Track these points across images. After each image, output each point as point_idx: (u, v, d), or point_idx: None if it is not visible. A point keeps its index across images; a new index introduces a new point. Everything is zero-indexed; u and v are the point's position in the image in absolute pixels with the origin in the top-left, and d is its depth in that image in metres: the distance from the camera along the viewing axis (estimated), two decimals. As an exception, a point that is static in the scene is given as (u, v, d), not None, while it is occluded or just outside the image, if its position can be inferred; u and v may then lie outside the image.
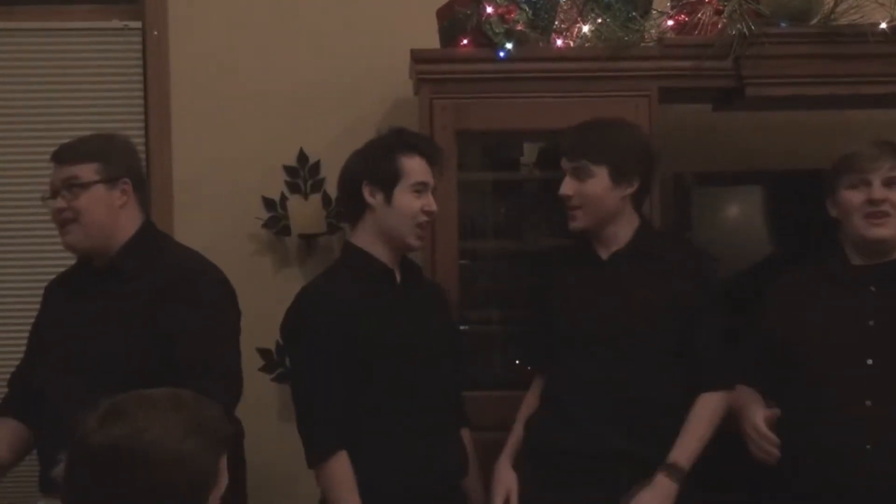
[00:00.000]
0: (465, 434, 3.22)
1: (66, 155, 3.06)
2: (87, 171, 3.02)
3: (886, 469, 2.88)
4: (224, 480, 1.83)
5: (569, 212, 3.11)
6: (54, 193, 3.03)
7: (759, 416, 2.96)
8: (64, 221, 3.02)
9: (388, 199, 3.04)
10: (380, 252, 3.07)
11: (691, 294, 3.06)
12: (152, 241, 3.12)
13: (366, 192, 3.05)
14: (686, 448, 2.99)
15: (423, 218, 3.06)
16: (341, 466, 2.95)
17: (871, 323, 2.99)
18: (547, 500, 3.06)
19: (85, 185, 3.01)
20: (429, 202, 3.06)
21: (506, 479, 3.16)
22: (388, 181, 3.04)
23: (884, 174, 2.99)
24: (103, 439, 1.73)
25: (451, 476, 3.11)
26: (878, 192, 2.98)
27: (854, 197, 3.01)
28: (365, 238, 3.08)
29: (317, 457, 2.98)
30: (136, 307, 2.98)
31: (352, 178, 3.09)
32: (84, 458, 1.74)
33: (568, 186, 3.08)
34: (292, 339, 3.11)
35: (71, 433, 1.77)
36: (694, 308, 3.05)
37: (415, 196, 3.04)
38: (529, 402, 3.25)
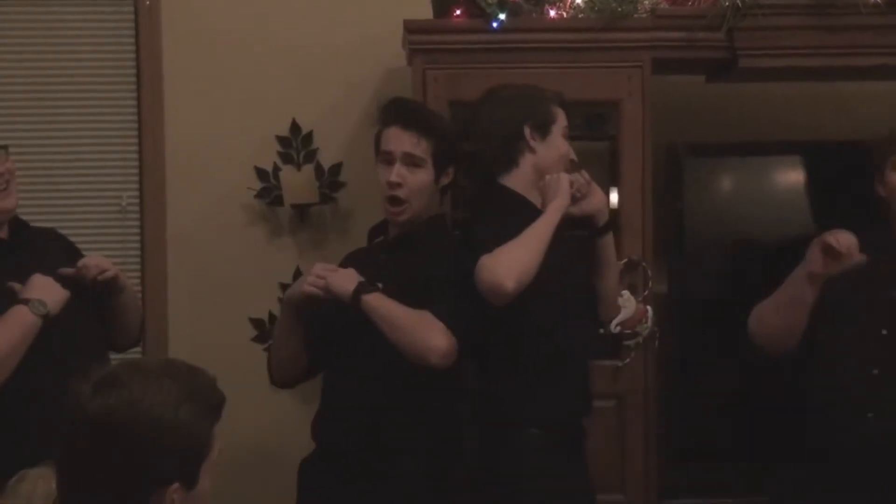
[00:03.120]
0: None
1: None
2: None
3: (888, 438, 2.89)
4: (216, 449, 1.83)
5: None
6: None
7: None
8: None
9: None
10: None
11: None
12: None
13: None
14: None
15: (387, 191, 3.03)
16: None
17: (895, 294, 3.01)
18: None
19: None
20: (388, 172, 3.03)
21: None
22: (376, 156, 3.09)
23: None
24: (99, 407, 1.72)
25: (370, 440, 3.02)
26: None
27: None
28: None
29: None
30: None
31: None
32: (79, 426, 1.74)
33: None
34: None
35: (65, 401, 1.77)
36: None
37: (383, 168, 3.05)
38: None
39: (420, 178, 3.04)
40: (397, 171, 3.01)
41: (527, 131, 3.00)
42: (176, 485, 1.74)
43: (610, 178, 3.56)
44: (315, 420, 3.10)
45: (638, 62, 3.50)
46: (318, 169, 3.95)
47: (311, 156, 3.96)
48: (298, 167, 3.96)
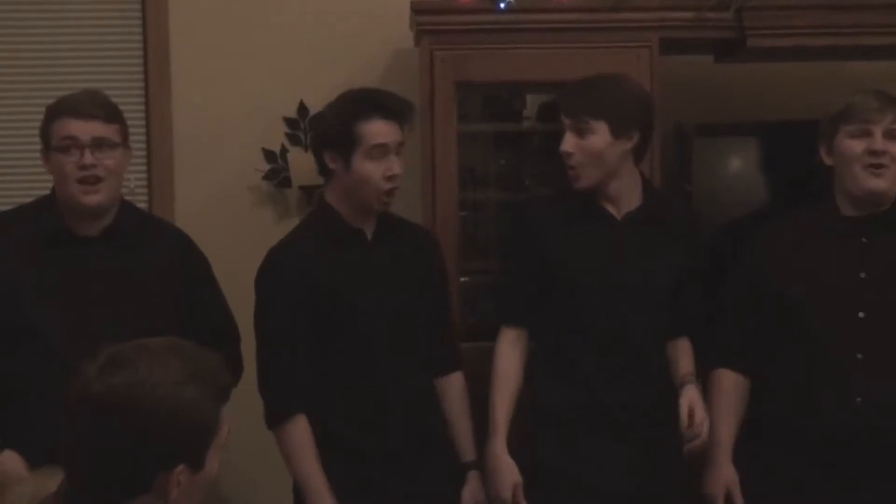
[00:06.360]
0: (457, 378, 3.18)
1: (96, 111, 2.98)
2: (115, 133, 3.00)
3: (876, 423, 2.88)
4: (225, 431, 1.83)
5: (570, 171, 3.05)
6: (80, 148, 2.95)
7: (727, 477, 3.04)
8: (94, 179, 2.95)
9: (347, 165, 2.98)
10: (347, 210, 3.04)
11: (686, 258, 3.16)
12: (136, 207, 3.17)
13: (326, 158, 3.03)
14: (691, 363, 3.13)
15: (387, 185, 2.99)
16: (298, 430, 2.95)
17: (862, 275, 2.98)
18: (564, 459, 3.05)
19: (114, 146, 2.99)
20: (389, 166, 2.97)
21: (510, 470, 3.05)
22: (344, 148, 2.98)
23: (886, 126, 2.97)
24: (104, 388, 1.72)
25: (422, 431, 3.06)
26: (880, 143, 2.96)
27: (855, 146, 2.98)
28: (334, 195, 3.06)
29: (275, 419, 2.98)
30: (160, 270, 3.04)
31: (314, 142, 3.10)
32: (84, 408, 1.74)
33: (569, 143, 3.03)
34: (259, 299, 3.07)
35: (71, 382, 1.77)
36: (686, 272, 3.16)
37: (373, 162, 2.96)
38: (509, 366, 3.12)
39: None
40: (398, 163, 3.00)
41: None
42: (181, 466, 1.74)
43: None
44: (340, 424, 3.01)
45: (646, 42, 3.50)
46: (326, 150, 3.94)
47: (318, 137, 3.96)
48: (306, 149, 3.95)
